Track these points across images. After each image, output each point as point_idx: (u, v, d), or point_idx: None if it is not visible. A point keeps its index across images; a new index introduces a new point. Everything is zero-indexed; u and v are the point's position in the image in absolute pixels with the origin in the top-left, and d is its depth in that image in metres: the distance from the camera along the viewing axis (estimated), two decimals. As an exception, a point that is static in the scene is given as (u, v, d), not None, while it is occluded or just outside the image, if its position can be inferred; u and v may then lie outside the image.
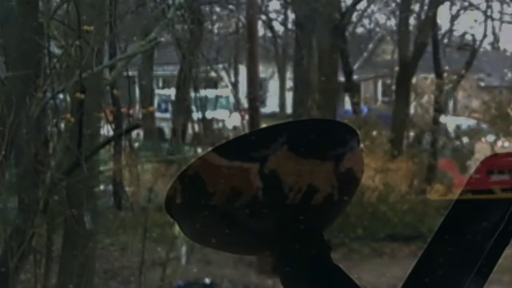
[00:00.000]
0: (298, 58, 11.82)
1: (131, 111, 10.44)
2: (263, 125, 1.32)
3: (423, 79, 12.97)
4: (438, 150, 11.69)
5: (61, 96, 6.95)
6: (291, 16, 13.31)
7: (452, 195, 1.21)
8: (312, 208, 1.20)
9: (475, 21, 13.91)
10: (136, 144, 11.29)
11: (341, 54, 11.87)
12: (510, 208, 1.18)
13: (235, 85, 13.59)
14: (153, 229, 7.95)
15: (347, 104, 13.50)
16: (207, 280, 8.65)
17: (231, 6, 12.83)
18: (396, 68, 12.44)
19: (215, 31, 13.55)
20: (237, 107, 12.86)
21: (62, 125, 6.83)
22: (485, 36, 13.74)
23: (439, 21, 12.69)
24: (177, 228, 1.31)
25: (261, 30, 13.25)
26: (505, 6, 13.43)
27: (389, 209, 10.13)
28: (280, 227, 1.20)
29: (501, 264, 1.21)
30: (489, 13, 13.53)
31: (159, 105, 13.35)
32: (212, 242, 1.25)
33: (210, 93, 12.61)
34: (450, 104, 14.19)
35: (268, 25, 13.73)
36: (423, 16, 12.36)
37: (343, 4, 11.83)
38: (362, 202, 9.27)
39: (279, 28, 14.39)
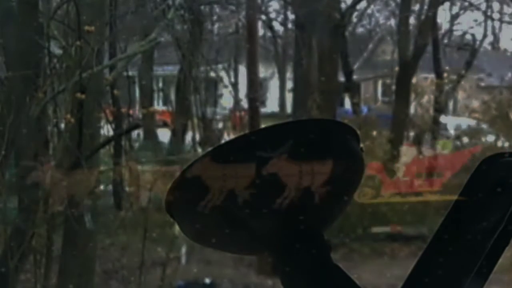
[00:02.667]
0: (298, 58, 11.82)
1: (131, 111, 10.44)
2: (263, 125, 1.32)
3: (423, 79, 12.97)
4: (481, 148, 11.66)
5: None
6: (291, 16, 13.32)
7: (381, 198, 1.22)
8: (312, 208, 1.20)
9: (475, 21, 13.91)
10: (136, 144, 11.30)
11: (341, 54, 11.87)
12: (510, 208, 1.18)
13: (235, 85, 13.59)
14: (153, 229, 7.95)
15: (347, 104, 13.49)
16: (207, 280, 8.65)
17: (231, 6, 12.83)
18: (396, 68, 12.44)
19: (215, 31, 13.55)
20: (236, 107, 12.87)
21: (62, 125, 6.83)
22: (485, 36, 13.75)
23: (439, 21, 12.69)
24: (177, 228, 1.31)
25: (261, 30, 13.25)
26: (505, 6, 13.43)
27: (389, 209, 10.13)
28: (280, 227, 1.20)
29: (501, 264, 1.21)
30: (489, 13, 13.54)
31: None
32: (212, 242, 1.25)
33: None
34: (450, 104, 14.19)
35: (268, 25, 13.72)
36: (423, 16, 12.36)
37: (343, 4, 11.84)
38: (362, 202, 9.26)
39: (279, 28, 14.39)
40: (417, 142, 12.03)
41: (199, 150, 11.32)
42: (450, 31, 13.83)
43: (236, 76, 13.87)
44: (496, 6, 14.17)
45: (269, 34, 14.01)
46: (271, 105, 15.50)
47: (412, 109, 12.54)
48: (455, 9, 13.48)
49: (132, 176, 8.57)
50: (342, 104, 13.87)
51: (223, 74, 13.45)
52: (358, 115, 12.31)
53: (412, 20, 12.63)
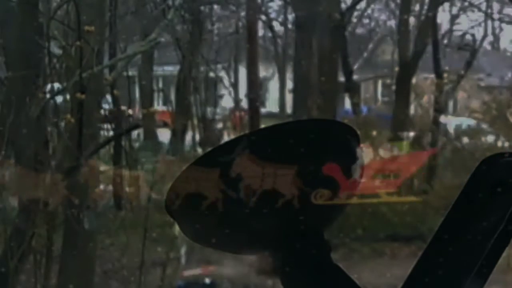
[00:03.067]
0: (298, 58, 11.81)
1: (131, 111, 10.44)
2: (263, 125, 1.32)
3: (423, 79, 12.97)
4: (438, 150, 11.68)
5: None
6: (291, 16, 13.31)
7: (338, 200, 1.21)
8: (312, 208, 1.20)
9: (475, 21, 13.92)
10: (136, 144, 11.30)
11: (341, 54, 11.86)
12: (510, 208, 1.18)
13: (235, 86, 13.60)
14: (153, 229, 7.95)
15: (347, 104, 13.49)
16: (207, 280, 8.64)
17: (231, 6, 12.83)
18: (396, 68, 12.43)
19: (215, 31, 13.55)
20: (236, 107, 12.87)
21: (62, 125, 6.83)
22: (485, 36, 13.76)
23: (439, 21, 12.69)
24: (177, 228, 1.31)
25: (261, 30, 13.25)
26: (505, 6, 13.43)
27: (389, 209, 10.12)
28: (280, 227, 1.20)
29: (500, 264, 1.21)
30: (489, 13, 13.54)
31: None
32: (212, 242, 1.25)
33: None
34: (450, 104, 14.19)
35: (268, 25, 13.72)
36: (423, 16, 12.36)
37: (343, 4, 11.83)
38: (362, 202, 9.26)
39: (279, 28, 14.39)
40: (418, 142, 12.04)
41: (199, 150, 11.32)
42: (450, 31, 13.83)
43: (236, 76, 13.87)
44: (496, 6, 14.17)
45: (269, 34, 14.01)
46: (271, 105, 15.49)
47: (412, 109, 12.54)
48: (455, 9, 13.49)
49: (132, 176, 8.57)
50: (342, 104, 13.86)
51: (223, 74, 13.46)
52: (358, 115, 12.30)
53: (412, 20, 12.63)
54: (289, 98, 14.32)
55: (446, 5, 13.11)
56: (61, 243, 6.90)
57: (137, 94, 12.76)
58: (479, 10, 13.29)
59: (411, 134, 12.04)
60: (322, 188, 1.19)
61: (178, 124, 11.72)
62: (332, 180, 1.19)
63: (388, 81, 14.98)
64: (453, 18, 13.63)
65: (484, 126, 12.16)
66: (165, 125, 12.87)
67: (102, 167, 8.22)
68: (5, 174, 6.48)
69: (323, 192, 1.17)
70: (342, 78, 12.31)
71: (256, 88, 10.63)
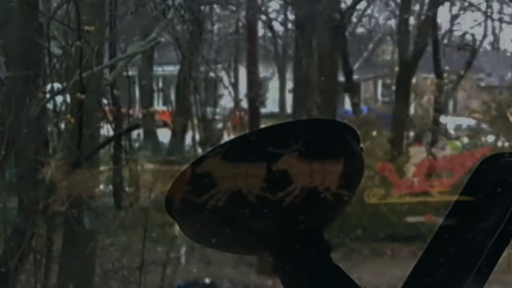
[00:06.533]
0: (298, 58, 11.82)
1: (131, 111, 10.45)
2: (263, 125, 1.32)
3: (423, 79, 12.97)
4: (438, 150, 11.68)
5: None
6: (291, 16, 13.31)
7: (391, 199, 1.21)
8: (312, 208, 1.20)
9: (475, 21, 13.90)
10: (136, 144, 11.30)
11: (341, 54, 11.87)
12: (510, 208, 1.18)
13: (235, 86, 13.60)
14: (153, 229, 7.95)
15: (347, 104, 13.49)
16: (207, 280, 8.65)
17: (231, 6, 12.83)
18: (396, 68, 12.44)
19: (215, 31, 13.55)
20: (236, 107, 12.87)
21: (62, 125, 6.84)
22: (485, 36, 13.75)
23: (439, 21, 12.69)
24: (177, 228, 1.31)
25: (261, 30, 13.24)
26: (505, 6, 13.43)
27: (389, 209, 10.12)
28: (280, 227, 1.20)
29: (500, 264, 1.21)
30: (489, 13, 13.54)
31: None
32: (212, 242, 1.25)
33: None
34: (450, 104, 14.19)
35: (268, 25, 13.72)
36: (423, 16, 12.36)
37: (343, 4, 11.84)
38: (362, 202, 9.26)
39: (279, 28, 14.38)
40: (418, 142, 12.03)
41: (199, 150, 11.33)
42: (450, 31, 13.83)
43: (236, 76, 13.87)
44: (496, 6, 14.17)
45: (269, 34, 14.00)
46: (271, 105, 15.49)
47: (412, 109, 12.54)
48: (455, 9, 13.49)
49: (132, 176, 8.57)
50: (342, 104, 13.86)
51: (223, 74, 13.45)
52: (358, 115, 12.31)
53: (412, 20, 12.63)
54: (289, 98, 14.32)
55: (446, 5, 13.12)
56: (61, 243, 6.90)
57: (137, 94, 12.77)
58: (479, 10, 13.29)
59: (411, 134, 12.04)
60: (324, 188, 1.19)
61: (178, 124, 11.73)
62: (333, 179, 1.19)
63: (388, 81, 14.98)
64: (453, 18, 13.63)
65: (484, 126, 12.16)
66: (165, 125, 12.87)
67: (102, 167, 8.22)
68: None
69: (376, 191, 1.17)
70: (342, 78, 12.32)
71: (256, 88, 10.63)
